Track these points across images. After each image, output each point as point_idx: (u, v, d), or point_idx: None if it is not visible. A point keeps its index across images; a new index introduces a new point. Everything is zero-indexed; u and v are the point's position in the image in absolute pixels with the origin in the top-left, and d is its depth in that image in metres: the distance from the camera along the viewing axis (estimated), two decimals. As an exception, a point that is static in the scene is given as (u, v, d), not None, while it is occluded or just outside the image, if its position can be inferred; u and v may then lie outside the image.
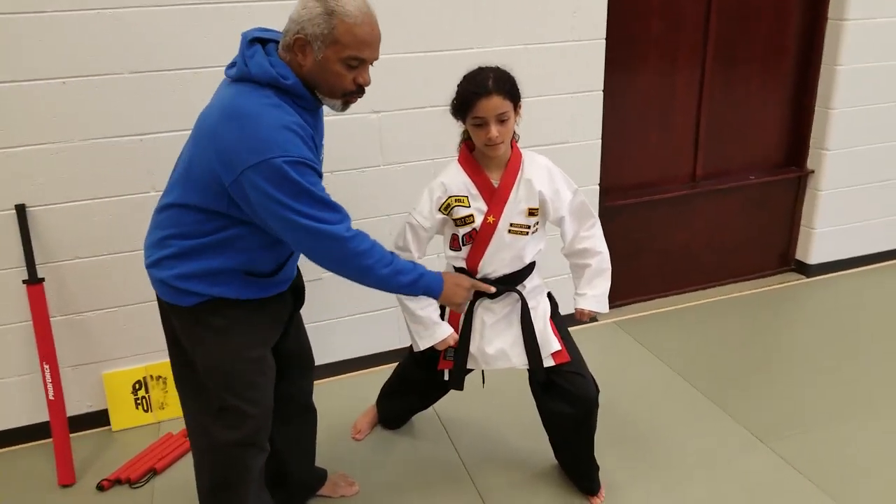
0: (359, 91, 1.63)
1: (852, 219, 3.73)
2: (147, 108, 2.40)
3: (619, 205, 3.27)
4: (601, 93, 2.97)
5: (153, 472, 2.43)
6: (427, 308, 1.99)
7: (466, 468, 2.39)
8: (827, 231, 3.70)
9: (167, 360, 2.66)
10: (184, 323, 1.71)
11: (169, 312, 1.74)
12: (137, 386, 2.70)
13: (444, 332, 2.00)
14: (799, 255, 3.82)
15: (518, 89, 1.85)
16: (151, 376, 2.71)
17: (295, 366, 2.00)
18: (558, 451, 2.26)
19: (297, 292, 1.92)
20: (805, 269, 3.79)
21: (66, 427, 2.45)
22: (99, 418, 2.70)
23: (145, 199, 2.49)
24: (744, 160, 3.61)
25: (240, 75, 1.56)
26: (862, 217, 3.75)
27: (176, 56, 2.38)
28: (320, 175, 1.58)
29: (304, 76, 1.58)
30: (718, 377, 2.87)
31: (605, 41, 2.90)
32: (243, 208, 1.56)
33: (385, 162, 2.75)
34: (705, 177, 3.55)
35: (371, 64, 1.63)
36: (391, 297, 2.89)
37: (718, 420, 2.60)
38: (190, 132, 1.67)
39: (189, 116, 2.39)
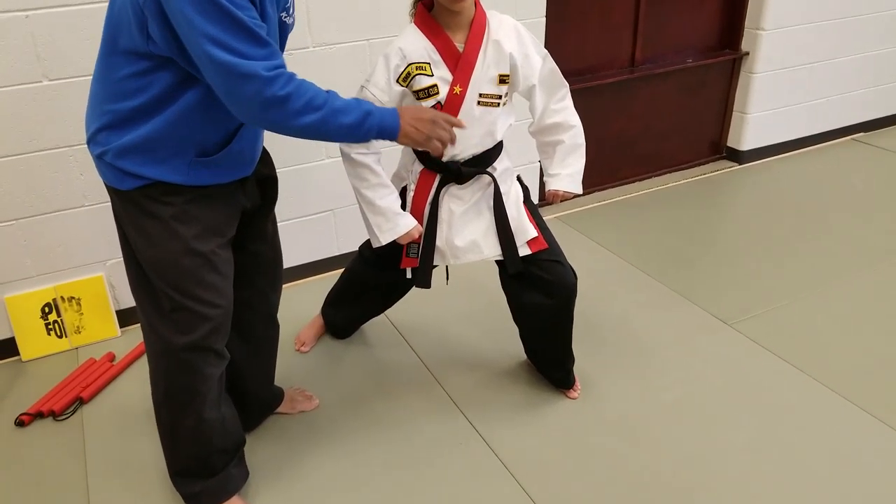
0: None
1: (784, 102, 3.72)
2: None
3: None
4: (546, -36, 2.74)
5: (80, 402, 2.18)
6: (387, 197, 1.78)
7: (431, 372, 2.26)
8: (759, 116, 3.69)
9: (79, 278, 2.41)
10: (125, 210, 1.47)
11: (113, 198, 1.51)
12: (47, 309, 2.39)
13: (407, 225, 1.80)
14: (731, 143, 3.81)
15: None
16: (63, 297, 2.40)
17: (265, 272, 1.77)
18: (531, 346, 2.15)
19: (264, 183, 1.67)
20: (737, 156, 3.79)
21: (-32, 360, 2.15)
22: (5, 348, 2.39)
23: (38, 90, 2.11)
24: (682, 43, 3.51)
25: None
26: (794, 100, 3.75)
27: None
28: (257, 6, 1.29)
29: None
30: (671, 265, 2.83)
31: None
32: (160, 42, 1.28)
33: (315, 43, 2.45)
34: (644, 61, 3.43)
35: None
36: (327, 200, 2.71)
37: (680, 306, 2.57)
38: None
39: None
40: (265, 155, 1.68)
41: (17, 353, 2.39)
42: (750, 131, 3.72)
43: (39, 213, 2.26)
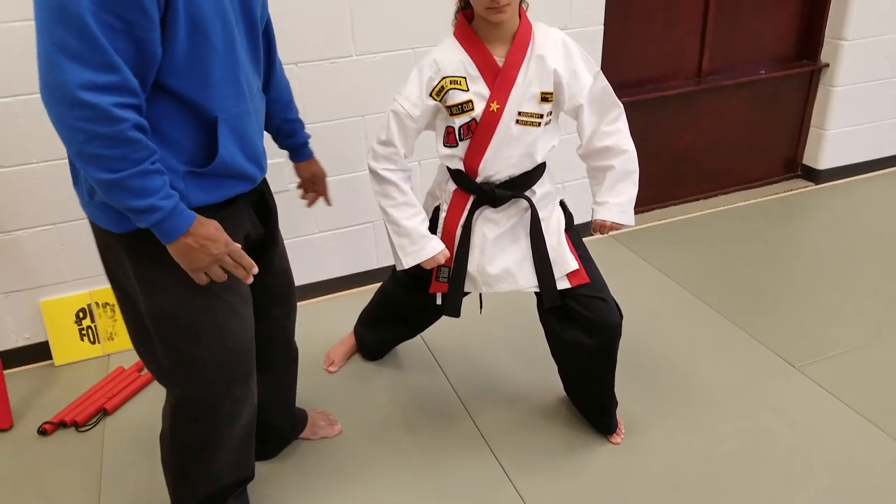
0: None
1: (868, 118, 3.43)
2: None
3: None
4: (606, -31, 2.57)
5: (103, 413, 2.14)
6: (414, 218, 1.66)
7: (463, 403, 2.11)
8: (839, 133, 3.41)
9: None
10: (124, 256, 1.33)
11: (106, 242, 1.35)
12: (81, 314, 2.37)
13: (433, 248, 1.68)
14: (807, 160, 3.53)
15: None
16: (97, 303, 2.37)
17: (276, 301, 1.66)
18: (571, 386, 2.00)
19: (260, 204, 1.52)
20: (813, 175, 3.52)
21: (-1, 365, 2.13)
22: (38, 352, 2.38)
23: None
24: (754, 53, 3.27)
25: None
26: (879, 116, 3.45)
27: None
28: (146, 13, 1.09)
29: None
30: (735, 295, 2.60)
31: None
32: None
33: (358, 52, 2.35)
34: (712, 72, 3.20)
35: None
36: (367, 211, 2.61)
37: (742, 343, 2.34)
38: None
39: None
40: (265, 184, 1.54)
41: (51, 357, 2.37)
42: (828, 149, 3.44)
43: (77, 219, 2.23)
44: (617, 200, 1.70)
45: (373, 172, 1.68)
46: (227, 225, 1.37)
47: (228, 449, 1.55)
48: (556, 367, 1.99)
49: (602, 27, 2.65)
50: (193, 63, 1.20)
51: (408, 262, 1.68)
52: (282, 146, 1.70)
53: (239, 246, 1.30)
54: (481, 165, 1.63)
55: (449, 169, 1.71)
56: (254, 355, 1.49)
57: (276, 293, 1.64)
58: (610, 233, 1.74)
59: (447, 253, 1.70)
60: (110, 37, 1.07)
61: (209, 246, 1.24)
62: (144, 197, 1.16)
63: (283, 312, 1.70)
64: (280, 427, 1.89)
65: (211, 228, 1.25)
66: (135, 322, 1.42)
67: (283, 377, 1.81)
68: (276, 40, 1.53)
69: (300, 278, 2.59)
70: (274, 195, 1.59)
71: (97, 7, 1.05)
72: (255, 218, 1.48)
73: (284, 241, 2.47)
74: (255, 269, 1.33)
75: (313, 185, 1.76)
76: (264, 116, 1.46)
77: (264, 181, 1.53)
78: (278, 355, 1.74)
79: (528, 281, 1.73)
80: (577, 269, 1.71)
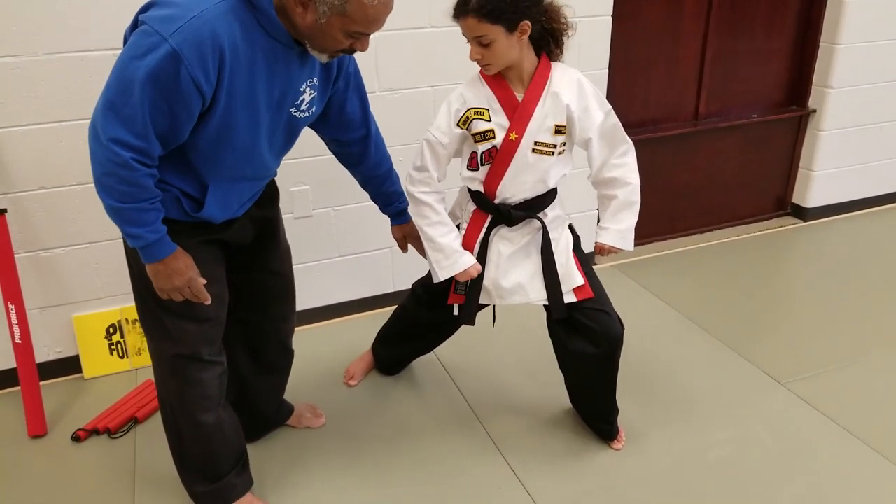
0: (349, 52, 1.52)
1: (852, 161, 3.63)
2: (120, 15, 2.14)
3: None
4: (610, 18, 2.78)
5: (134, 421, 2.25)
6: (447, 235, 1.84)
7: (475, 414, 2.25)
8: (825, 174, 3.60)
9: (143, 302, 2.52)
10: None
11: None
12: (112, 330, 2.49)
13: (466, 263, 1.84)
14: (796, 199, 3.73)
15: (511, 8, 1.62)
16: (127, 320, 2.50)
17: (273, 299, 1.90)
18: (576, 395, 2.14)
19: (259, 222, 1.77)
20: (802, 213, 3.70)
21: (35, 373, 2.25)
22: (69, 365, 2.50)
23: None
24: (747, 98, 3.48)
25: None
26: (862, 159, 3.65)
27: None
28: (187, 104, 1.36)
29: (297, 28, 1.44)
30: (728, 320, 2.77)
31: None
32: None
33: (381, 88, 2.54)
34: (708, 115, 3.41)
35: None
36: (386, 238, 2.76)
37: (733, 362, 2.50)
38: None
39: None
40: (265, 197, 1.78)
41: (81, 371, 2.49)
42: (816, 189, 3.63)
43: (110, 238, 2.37)
44: (618, 227, 1.88)
45: (409, 195, 1.86)
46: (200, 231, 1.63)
47: (205, 409, 1.72)
48: (561, 381, 2.13)
49: (607, 71, 2.86)
50: (210, 150, 1.49)
51: (443, 275, 1.84)
52: (381, 211, 2.02)
53: (202, 282, 1.57)
54: (499, 188, 1.81)
55: (470, 190, 1.89)
56: (222, 330, 1.71)
57: (273, 291, 1.88)
58: (609, 255, 1.92)
59: (479, 267, 1.86)
60: (154, 115, 1.35)
61: (173, 277, 1.53)
62: (137, 227, 1.45)
63: (279, 313, 1.93)
64: (266, 413, 2.10)
65: (181, 264, 1.53)
66: (139, 291, 1.66)
67: (275, 371, 2.04)
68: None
69: (323, 299, 2.77)
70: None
71: (156, 94, 1.33)
72: (246, 227, 1.73)
73: (307, 265, 2.67)
74: (208, 302, 1.60)
75: (406, 243, 2.04)
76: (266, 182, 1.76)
77: (273, 192, 1.82)
78: (272, 352, 1.97)
79: (538, 294, 1.89)
80: (582, 285, 1.87)
